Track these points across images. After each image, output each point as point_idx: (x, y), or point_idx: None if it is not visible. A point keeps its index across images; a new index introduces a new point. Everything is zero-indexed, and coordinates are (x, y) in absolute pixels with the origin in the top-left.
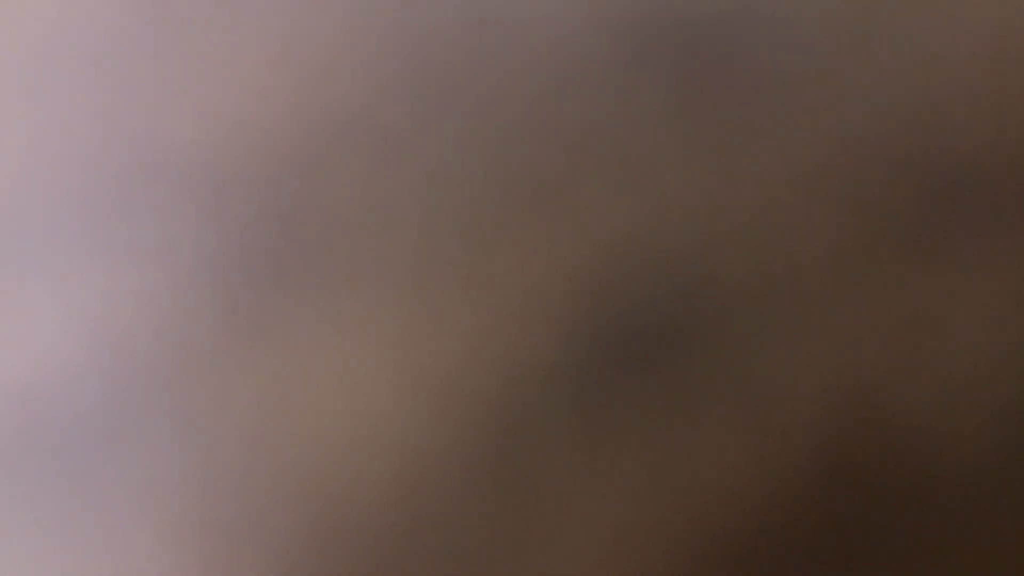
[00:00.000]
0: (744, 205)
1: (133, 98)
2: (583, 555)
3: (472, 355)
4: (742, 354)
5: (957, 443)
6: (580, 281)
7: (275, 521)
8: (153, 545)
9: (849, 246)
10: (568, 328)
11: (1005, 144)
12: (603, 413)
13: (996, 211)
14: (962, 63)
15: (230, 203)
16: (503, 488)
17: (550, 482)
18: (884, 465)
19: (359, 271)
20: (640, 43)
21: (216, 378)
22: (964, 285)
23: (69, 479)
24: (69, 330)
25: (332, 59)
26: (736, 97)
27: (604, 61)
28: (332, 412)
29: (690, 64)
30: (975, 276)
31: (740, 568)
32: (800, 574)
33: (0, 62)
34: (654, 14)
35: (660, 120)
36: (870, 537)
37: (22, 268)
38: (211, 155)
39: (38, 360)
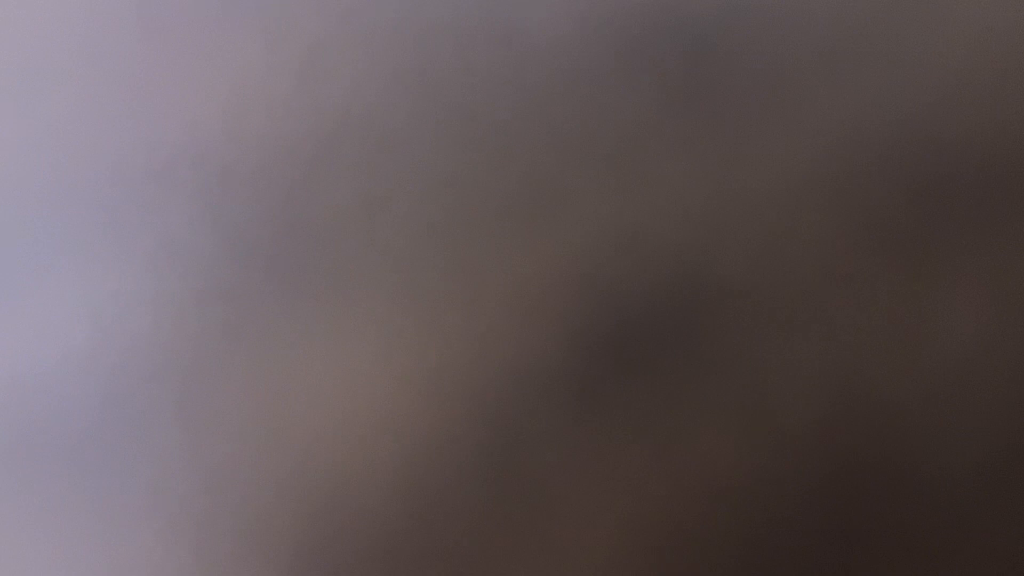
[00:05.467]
0: (740, 205)
1: (133, 98)
2: (582, 552)
3: (471, 354)
4: (739, 352)
5: (951, 438)
6: (578, 280)
7: (276, 519)
8: (155, 543)
9: (844, 245)
10: (566, 326)
11: (999, 145)
12: (601, 410)
13: (989, 211)
14: (957, 65)
15: (230, 203)
16: (502, 486)
17: (549, 480)
18: (879, 460)
19: (358, 271)
20: (637, 43)
21: (217, 377)
22: (957, 283)
23: (71, 478)
24: (71, 329)
25: (331, 60)
26: (732, 98)
27: (601, 61)
28: (332, 411)
29: (686, 65)
30: (968, 274)
31: (738, 563)
32: (797, 568)
33: (0, 62)
34: (651, 15)
35: (657, 120)
36: (865, 531)
37: (24, 268)
38: (211, 155)
39: (40, 359)
